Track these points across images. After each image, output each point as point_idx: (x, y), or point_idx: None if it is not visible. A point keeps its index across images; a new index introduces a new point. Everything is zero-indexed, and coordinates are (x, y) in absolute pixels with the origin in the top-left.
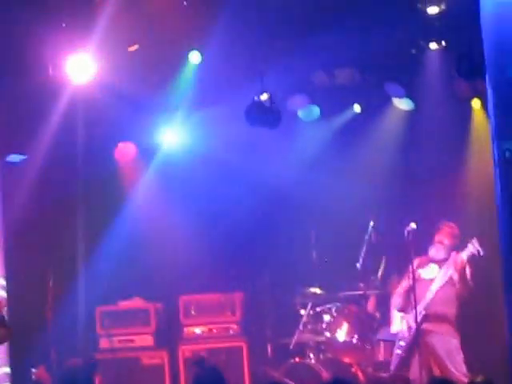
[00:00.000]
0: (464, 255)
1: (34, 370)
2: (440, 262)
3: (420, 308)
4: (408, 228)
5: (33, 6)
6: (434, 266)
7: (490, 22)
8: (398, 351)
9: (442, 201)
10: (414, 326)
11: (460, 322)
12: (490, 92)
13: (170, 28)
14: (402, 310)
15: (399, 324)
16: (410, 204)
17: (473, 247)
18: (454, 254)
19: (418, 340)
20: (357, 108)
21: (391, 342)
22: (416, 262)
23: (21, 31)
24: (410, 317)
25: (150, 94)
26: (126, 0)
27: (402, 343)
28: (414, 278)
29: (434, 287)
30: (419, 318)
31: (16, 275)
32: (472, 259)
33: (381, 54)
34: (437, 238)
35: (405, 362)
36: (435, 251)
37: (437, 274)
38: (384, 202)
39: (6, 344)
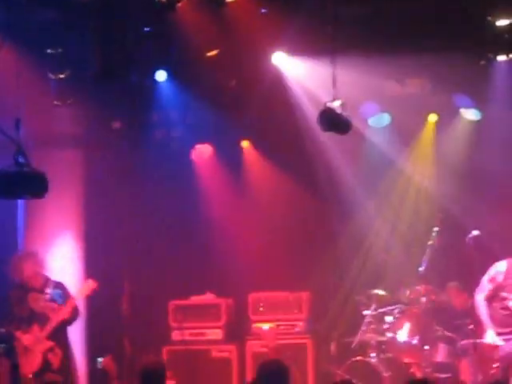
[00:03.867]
0: None
1: (100, 359)
2: None
3: None
4: (470, 235)
5: None
6: None
7: None
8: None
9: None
10: None
11: None
12: None
13: None
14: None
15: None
16: (474, 212)
17: None
18: None
19: None
20: (432, 117)
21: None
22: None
23: None
24: None
25: None
26: None
27: None
28: None
29: None
30: None
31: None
32: None
33: (450, 65)
34: None
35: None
36: None
37: None
38: (448, 209)
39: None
